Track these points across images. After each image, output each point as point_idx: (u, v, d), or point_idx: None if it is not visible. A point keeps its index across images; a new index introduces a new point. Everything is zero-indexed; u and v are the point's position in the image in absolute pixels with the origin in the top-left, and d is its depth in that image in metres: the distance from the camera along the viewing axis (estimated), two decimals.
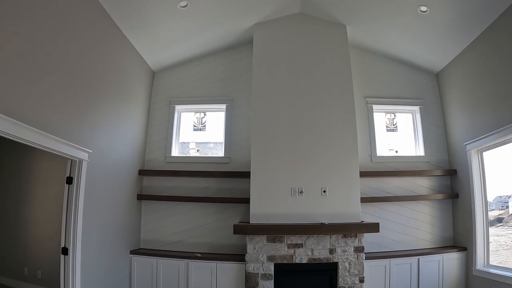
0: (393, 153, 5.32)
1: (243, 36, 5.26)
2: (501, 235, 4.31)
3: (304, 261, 4.14)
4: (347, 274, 4.11)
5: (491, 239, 4.33)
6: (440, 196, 4.95)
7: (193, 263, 4.41)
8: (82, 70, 3.51)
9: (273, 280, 4.11)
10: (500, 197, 4.45)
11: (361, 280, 4.10)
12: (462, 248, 4.61)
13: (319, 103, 4.65)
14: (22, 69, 2.65)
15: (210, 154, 5.45)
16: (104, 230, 4.01)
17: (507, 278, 3.74)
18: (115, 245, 4.25)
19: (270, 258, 4.14)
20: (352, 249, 4.17)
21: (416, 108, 5.37)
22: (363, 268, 4.14)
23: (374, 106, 5.34)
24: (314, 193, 4.37)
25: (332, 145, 4.51)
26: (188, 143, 5.53)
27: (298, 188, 4.38)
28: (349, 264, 4.14)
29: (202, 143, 5.53)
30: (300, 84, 4.73)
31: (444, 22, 4.34)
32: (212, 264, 4.36)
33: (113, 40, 4.20)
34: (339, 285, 4.09)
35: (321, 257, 4.15)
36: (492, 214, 4.43)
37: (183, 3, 4.16)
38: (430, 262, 4.46)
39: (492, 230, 4.36)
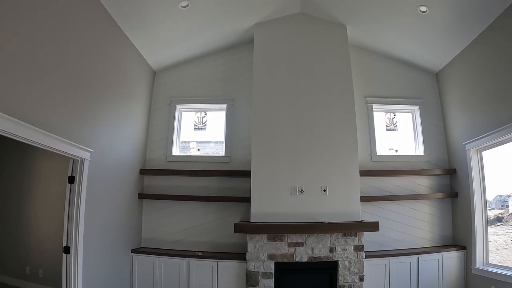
0: (393, 153, 5.34)
1: (243, 36, 5.27)
2: (501, 234, 4.33)
3: (305, 259, 4.16)
4: (347, 272, 4.14)
5: (491, 238, 4.35)
6: (439, 195, 4.97)
7: (194, 262, 4.43)
8: (83, 70, 3.51)
9: (273, 279, 4.13)
10: (500, 196, 4.47)
11: (361, 279, 4.13)
12: (461, 247, 4.63)
13: (319, 103, 4.67)
14: (23, 68, 2.65)
15: (211, 153, 5.47)
16: (106, 229, 4.03)
17: (506, 276, 3.76)
18: (116, 244, 4.27)
19: (270, 257, 4.17)
20: (352, 247, 4.19)
21: (416, 107, 5.39)
22: (363, 266, 4.16)
23: (374, 106, 5.36)
24: (315, 192, 4.39)
25: (332, 144, 4.53)
26: (189, 142, 5.55)
27: (299, 187, 4.40)
28: (349, 262, 4.16)
29: (203, 142, 5.55)
30: (300, 84, 4.75)
31: (444, 22, 4.36)
32: (213, 262, 4.38)
33: (114, 40, 4.20)
34: (339, 284, 4.12)
35: (321, 255, 4.17)
36: (492, 213, 4.45)
37: (184, 3, 4.18)
38: (430, 261, 4.49)
39: (492, 229, 4.38)
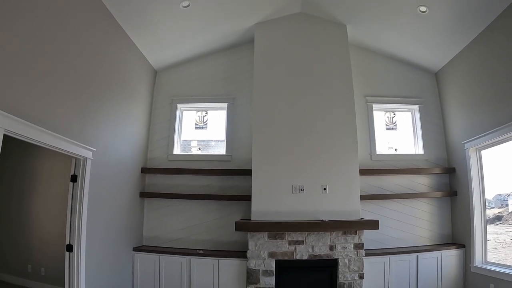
0: (392, 151, 5.36)
1: (244, 36, 5.30)
2: (501, 233, 4.36)
3: (305, 257, 4.19)
4: (347, 270, 4.17)
5: (490, 237, 4.37)
6: (439, 194, 5.00)
7: (195, 260, 4.46)
8: (83, 69, 3.51)
9: (274, 276, 4.16)
10: (500, 195, 4.49)
11: (361, 277, 4.16)
12: (460, 245, 4.66)
13: (319, 102, 4.70)
14: (23, 68, 2.64)
15: (212, 152, 5.50)
16: (108, 227, 4.06)
17: (504, 274, 3.79)
18: (118, 242, 4.30)
19: (271, 255, 4.19)
20: (352, 246, 4.22)
21: (416, 107, 5.41)
22: (363, 264, 4.19)
23: (374, 105, 5.38)
24: (315, 190, 4.42)
25: (332, 143, 4.55)
26: (190, 141, 5.57)
27: (299, 186, 4.43)
28: (349, 260, 4.19)
29: (204, 141, 5.58)
30: (300, 83, 4.77)
31: (444, 22, 4.38)
32: (214, 260, 4.41)
33: (115, 39, 4.21)
34: (339, 281, 4.15)
35: (322, 253, 4.19)
36: (492, 212, 4.47)
37: (185, 3, 4.20)
38: (429, 259, 4.52)
39: (491, 228, 4.41)
